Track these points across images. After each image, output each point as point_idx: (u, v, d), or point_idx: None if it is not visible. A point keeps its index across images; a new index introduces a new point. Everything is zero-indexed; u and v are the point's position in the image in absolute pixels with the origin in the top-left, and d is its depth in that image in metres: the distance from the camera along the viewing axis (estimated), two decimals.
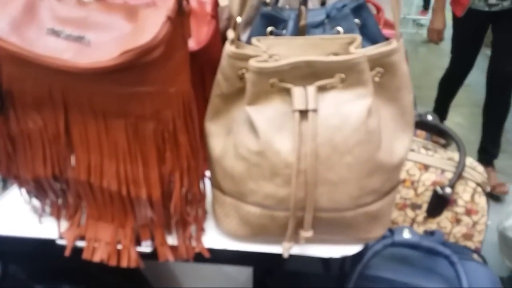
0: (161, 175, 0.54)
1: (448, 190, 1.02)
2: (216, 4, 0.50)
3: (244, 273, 0.99)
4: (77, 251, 0.60)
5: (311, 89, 0.50)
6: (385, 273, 0.83)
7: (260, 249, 0.60)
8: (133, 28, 0.46)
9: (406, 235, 0.79)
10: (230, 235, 0.60)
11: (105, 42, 0.46)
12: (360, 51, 0.51)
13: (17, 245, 0.66)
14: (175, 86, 0.49)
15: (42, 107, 0.51)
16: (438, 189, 1.03)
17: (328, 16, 0.75)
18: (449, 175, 1.06)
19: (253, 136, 0.52)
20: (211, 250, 0.61)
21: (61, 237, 0.61)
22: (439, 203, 1.05)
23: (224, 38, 0.55)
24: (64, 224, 0.62)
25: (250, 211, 0.57)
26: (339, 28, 0.74)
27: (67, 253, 0.59)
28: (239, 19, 0.50)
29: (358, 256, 0.67)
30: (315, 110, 0.50)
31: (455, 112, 2.44)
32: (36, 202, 0.65)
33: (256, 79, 0.50)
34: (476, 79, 2.41)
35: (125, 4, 0.49)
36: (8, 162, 0.56)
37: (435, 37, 1.99)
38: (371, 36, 0.78)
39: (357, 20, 0.75)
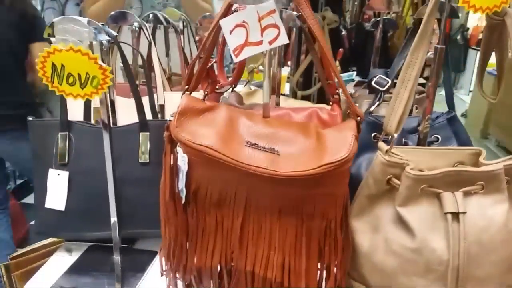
0: (319, 268, 0.61)
1: None
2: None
3: None
4: None
5: (459, 194, 0.58)
6: None
7: None
8: (313, 143, 0.56)
9: None
10: None
11: (292, 154, 0.55)
12: (495, 163, 0.60)
13: None
14: (341, 188, 0.58)
15: (223, 205, 0.60)
16: None
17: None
18: None
19: (406, 234, 0.59)
20: None
21: None
22: None
23: None
24: None
25: None
26: (438, 136, 0.85)
27: None
28: (395, 135, 0.59)
29: None
30: (464, 213, 0.57)
31: None
32: None
33: (411, 184, 0.58)
34: None
35: (299, 122, 0.60)
36: (180, 253, 0.63)
37: None
38: (462, 143, 0.88)
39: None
